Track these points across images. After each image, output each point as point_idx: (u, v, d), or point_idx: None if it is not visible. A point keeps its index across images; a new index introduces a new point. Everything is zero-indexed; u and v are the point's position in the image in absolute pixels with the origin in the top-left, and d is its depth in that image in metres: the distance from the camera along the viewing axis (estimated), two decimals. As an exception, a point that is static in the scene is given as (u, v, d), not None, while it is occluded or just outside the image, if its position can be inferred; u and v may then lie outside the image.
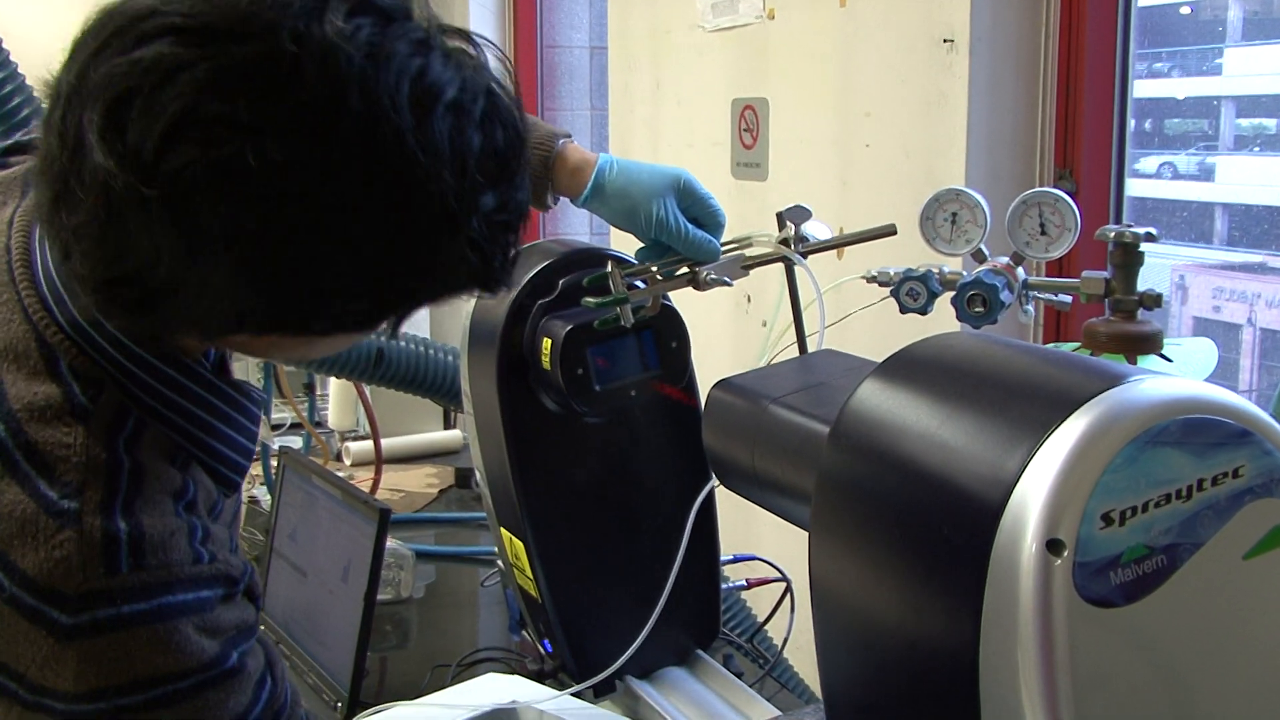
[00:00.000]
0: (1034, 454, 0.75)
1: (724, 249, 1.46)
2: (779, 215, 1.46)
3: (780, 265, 1.49)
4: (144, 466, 0.98)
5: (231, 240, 0.84)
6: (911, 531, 0.82)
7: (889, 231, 1.46)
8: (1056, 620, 0.72)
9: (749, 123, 2.99)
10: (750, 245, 1.49)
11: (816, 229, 1.47)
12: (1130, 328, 1.34)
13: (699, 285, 1.45)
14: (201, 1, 0.83)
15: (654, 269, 1.44)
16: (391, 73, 0.85)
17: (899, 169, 2.51)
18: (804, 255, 1.46)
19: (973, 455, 0.79)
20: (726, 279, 1.45)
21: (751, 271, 1.48)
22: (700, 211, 1.45)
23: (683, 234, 1.43)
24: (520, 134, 0.95)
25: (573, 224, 4.35)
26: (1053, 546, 0.72)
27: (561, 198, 1.50)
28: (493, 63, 0.96)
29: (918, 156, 2.47)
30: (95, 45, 0.84)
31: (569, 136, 1.47)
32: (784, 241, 1.46)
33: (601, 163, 1.46)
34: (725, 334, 3.05)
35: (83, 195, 0.85)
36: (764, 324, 2.92)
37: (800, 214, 1.46)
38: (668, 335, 1.55)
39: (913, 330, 1.03)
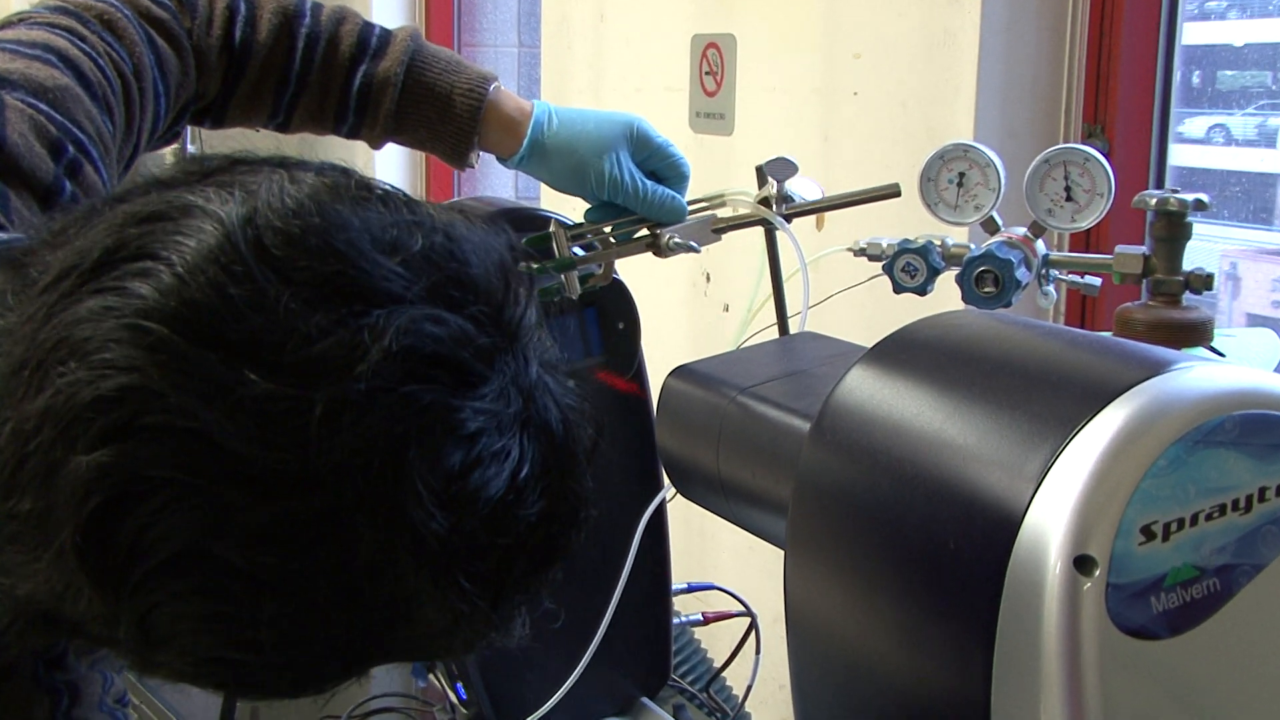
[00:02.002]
0: (1059, 454, 0.75)
1: (690, 209, 1.46)
2: (759, 169, 1.46)
3: (753, 233, 1.49)
4: None
5: (191, 661, 0.75)
6: (909, 547, 0.82)
7: (893, 192, 1.45)
8: (1086, 655, 0.72)
9: (712, 64, 2.99)
10: (723, 205, 1.48)
11: (804, 187, 1.46)
12: (1173, 314, 1.34)
13: (660, 250, 1.44)
14: (250, 419, 0.68)
15: (607, 230, 1.43)
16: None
17: (894, 121, 2.52)
18: (788, 219, 1.45)
19: (985, 456, 0.80)
20: (693, 244, 1.44)
21: (719, 240, 1.47)
22: (659, 163, 1.44)
23: (642, 192, 1.42)
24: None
25: (493, 184, 4.33)
26: (1082, 565, 0.72)
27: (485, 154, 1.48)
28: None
29: (917, 107, 2.47)
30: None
31: (497, 80, 1.44)
32: (764, 201, 1.46)
33: (538, 113, 1.43)
34: (679, 319, 3.05)
35: (36, 541, 0.72)
36: (726, 309, 2.92)
37: (784, 168, 1.45)
38: (614, 315, 1.55)
39: (908, 313, 1.03)
